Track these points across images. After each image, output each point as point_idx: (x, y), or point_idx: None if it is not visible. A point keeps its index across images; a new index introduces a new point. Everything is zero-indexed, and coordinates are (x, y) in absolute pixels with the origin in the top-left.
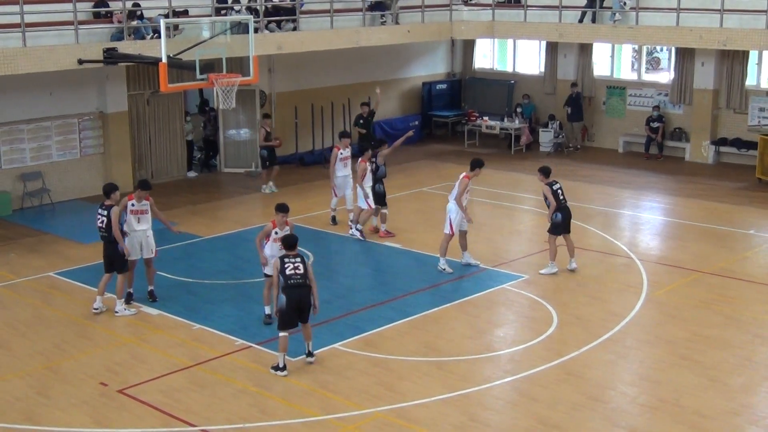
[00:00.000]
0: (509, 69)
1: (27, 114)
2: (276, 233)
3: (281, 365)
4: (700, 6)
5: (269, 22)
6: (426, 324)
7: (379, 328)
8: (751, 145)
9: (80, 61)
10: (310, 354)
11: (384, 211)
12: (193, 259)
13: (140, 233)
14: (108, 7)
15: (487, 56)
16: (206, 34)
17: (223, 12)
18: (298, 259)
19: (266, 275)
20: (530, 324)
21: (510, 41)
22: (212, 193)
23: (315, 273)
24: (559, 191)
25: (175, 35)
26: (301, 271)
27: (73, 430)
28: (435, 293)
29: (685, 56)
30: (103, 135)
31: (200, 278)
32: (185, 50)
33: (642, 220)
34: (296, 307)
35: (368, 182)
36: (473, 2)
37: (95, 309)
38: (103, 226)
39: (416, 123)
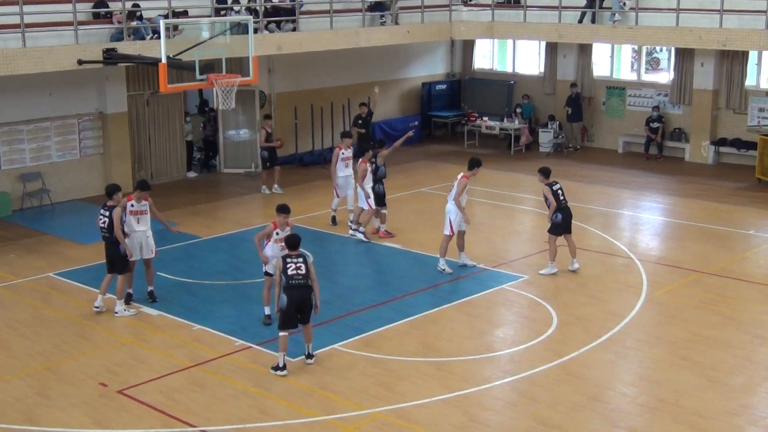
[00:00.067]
0: (509, 69)
1: (27, 114)
2: (277, 234)
3: (281, 365)
4: (700, 6)
5: (269, 22)
6: (426, 324)
7: (379, 329)
8: (751, 146)
9: (80, 62)
10: (309, 356)
11: (384, 211)
12: (193, 259)
13: (140, 234)
14: (107, 7)
15: (487, 56)
16: (206, 35)
17: (222, 12)
18: (300, 259)
19: (267, 274)
20: (530, 324)
21: (509, 41)
22: (212, 194)
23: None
24: (559, 192)
25: (174, 36)
26: (303, 272)
27: (72, 431)
28: (435, 294)
29: (684, 56)
30: (103, 135)
31: (200, 279)
32: (185, 51)
33: (642, 220)
34: (297, 307)
35: (368, 183)
36: (473, 3)
37: (96, 307)
38: (105, 226)
39: (416, 123)
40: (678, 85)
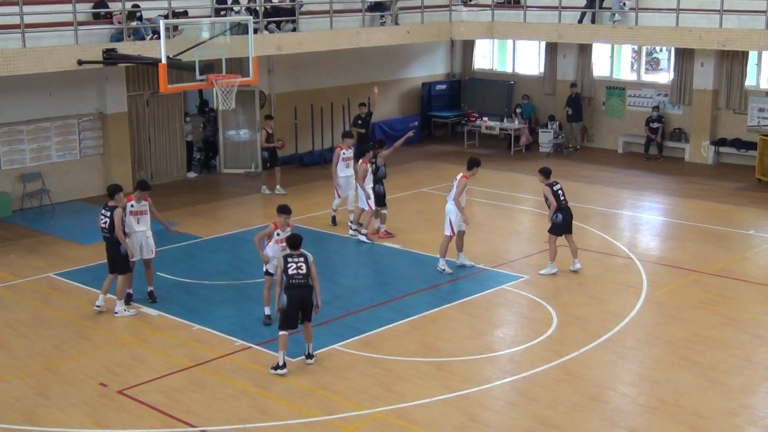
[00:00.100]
0: (509, 69)
1: (27, 115)
2: (278, 234)
3: (281, 363)
4: (700, 6)
5: (269, 22)
6: (426, 324)
7: (379, 329)
8: (751, 146)
9: (80, 62)
10: (309, 356)
11: (384, 211)
12: (193, 259)
13: (140, 234)
14: (107, 8)
15: (487, 57)
16: (206, 35)
17: (222, 13)
18: (302, 259)
19: (267, 273)
20: (530, 324)
21: (509, 42)
22: (212, 194)
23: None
24: (559, 192)
25: (174, 36)
26: (304, 271)
27: (72, 431)
28: (434, 294)
29: (684, 57)
30: (103, 136)
31: (200, 279)
32: (185, 51)
33: (641, 220)
34: (298, 307)
35: (369, 183)
36: (473, 3)
37: (97, 306)
38: (106, 227)
39: (416, 123)
40: (678, 85)
